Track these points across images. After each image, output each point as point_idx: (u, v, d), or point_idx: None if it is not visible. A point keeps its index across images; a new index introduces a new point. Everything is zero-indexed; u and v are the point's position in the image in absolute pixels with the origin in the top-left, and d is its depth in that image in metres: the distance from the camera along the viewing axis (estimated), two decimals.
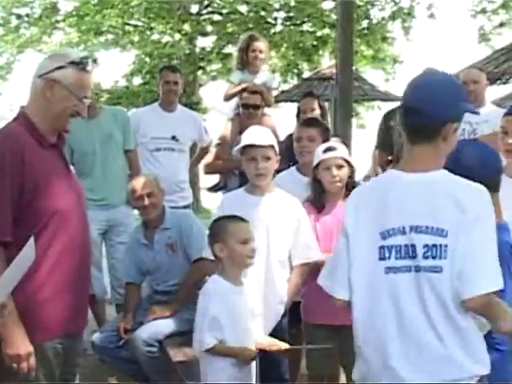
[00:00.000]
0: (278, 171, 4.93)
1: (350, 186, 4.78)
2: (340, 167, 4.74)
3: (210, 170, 7.09)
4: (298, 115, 6.54)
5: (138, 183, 5.68)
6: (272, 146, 4.55)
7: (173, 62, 19.83)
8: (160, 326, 5.37)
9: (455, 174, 3.00)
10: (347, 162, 4.79)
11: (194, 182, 12.78)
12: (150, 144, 7.10)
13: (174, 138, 7.23)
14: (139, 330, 5.36)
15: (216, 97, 27.12)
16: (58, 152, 3.45)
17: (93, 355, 5.80)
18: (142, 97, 21.32)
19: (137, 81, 22.83)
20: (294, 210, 4.60)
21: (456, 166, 3.24)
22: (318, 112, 6.41)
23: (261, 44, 7.35)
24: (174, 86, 7.27)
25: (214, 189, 7.31)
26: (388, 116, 7.17)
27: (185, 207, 7.23)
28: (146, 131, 7.11)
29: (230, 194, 4.93)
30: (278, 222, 4.52)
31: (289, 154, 5.57)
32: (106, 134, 6.63)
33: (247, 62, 7.30)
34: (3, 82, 23.28)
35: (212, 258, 4.57)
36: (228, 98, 7.26)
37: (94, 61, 3.41)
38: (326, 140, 5.28)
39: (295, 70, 23.04)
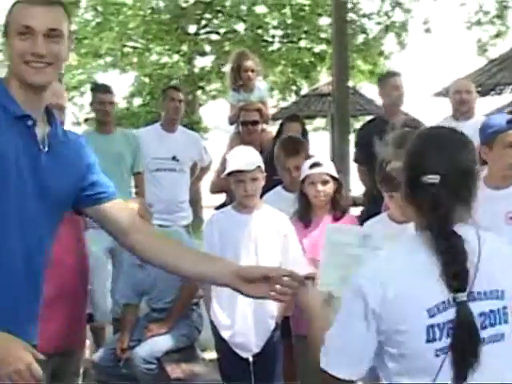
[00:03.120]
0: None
1: (337, 201, 4.92)
2: (325, 183, 4.85)
3: (215, 188, 7.14)
4: (277, 135, 6.53)
5: None
6: (259, 167, 4.63)
7: (172, 83, 19.97)
8: (157, 343, 5.47)
9: None
10: (333, 177, 4.91)
11: (196, 201, 12.89)
12: (150, 164, 7.18)
13: (174, 158, 7.32)
14: (137, 348, 5.45)
15: (217, 116, 27.23)
16: None
17: (92, 376, 5.87)
18: (142, 118, 21.44)
19: (137, 102, 22.95)
20: (282, 225, 4.68)
21: None
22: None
23: (251, 63, 7.41)
24: (179, 103, 7.39)
25: (221, 208, 7.38)
26: (364, 129, 7.32)
27: (185, 227, 7.34)
28: (147, 151, 7.17)
29: (218, 212, 5.01)
30: (267, 239, 4.60)
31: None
32: (116, 152, 6.78)
33: (241, 83, 7.41)
34: None
35: None
36: (233, 121, 7.34)
37: None
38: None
39: (294, 87, 23.14)
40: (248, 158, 4.65)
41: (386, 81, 7.06)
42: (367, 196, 6.81)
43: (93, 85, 12.04)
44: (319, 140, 20.01)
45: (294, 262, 4.60)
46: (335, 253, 3.56)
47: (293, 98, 22.62)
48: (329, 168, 4.93)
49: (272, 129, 7.61)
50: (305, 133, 6.57)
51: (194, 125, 21.62)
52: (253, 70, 7.39)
